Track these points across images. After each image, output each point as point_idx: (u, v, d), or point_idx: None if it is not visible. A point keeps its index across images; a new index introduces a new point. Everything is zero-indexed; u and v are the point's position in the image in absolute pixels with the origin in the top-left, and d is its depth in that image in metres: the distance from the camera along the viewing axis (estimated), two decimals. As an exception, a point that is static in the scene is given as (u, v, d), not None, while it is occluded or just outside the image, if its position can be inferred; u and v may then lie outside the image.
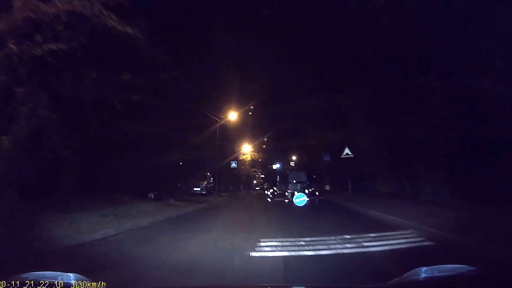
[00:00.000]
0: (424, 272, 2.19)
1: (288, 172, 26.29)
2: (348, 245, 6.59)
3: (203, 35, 21.19)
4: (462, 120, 12.95)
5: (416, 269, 2.24)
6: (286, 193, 20.92)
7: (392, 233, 7.96)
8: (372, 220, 11.01)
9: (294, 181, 25.21)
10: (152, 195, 17.48)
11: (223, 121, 27.42)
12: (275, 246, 6.72)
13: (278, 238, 7.47)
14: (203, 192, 25.08)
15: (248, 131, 41.89)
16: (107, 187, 14.94)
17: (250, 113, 27.68)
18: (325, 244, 6.64)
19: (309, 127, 34.05)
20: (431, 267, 2.21)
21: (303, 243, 6.90)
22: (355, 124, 25.67)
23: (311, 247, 6.43)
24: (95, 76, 10.54)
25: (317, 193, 18.93)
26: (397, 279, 2.30)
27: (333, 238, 7.27)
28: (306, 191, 17.63)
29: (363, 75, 21.25)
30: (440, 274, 2.17)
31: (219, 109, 27.50)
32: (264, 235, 7.79)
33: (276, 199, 22.31)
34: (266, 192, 23.60)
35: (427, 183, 17.86)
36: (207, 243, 7.26)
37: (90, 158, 13.88)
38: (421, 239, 7.19)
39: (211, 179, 28.12)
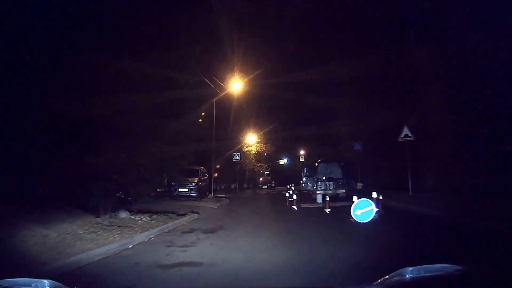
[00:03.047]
0: (409, 272, 2.05)
1: (316, 165, 18.58)
2: None
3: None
4: None
5: (401, 269, 2.09)
6: (326, 197, 13.09)
7: None
8: None
9: (324, 178, 17.62)
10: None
11: (223, 94, 19.62)
12: None
13: None
14: (193, 194, 17.16)
15: (253, 117, 34.23)
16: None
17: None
18: None
19: (337, 104, 26.57)
20: (417, 267, 2.06)
21: None
22: (416, 96, 17.85)
23: None
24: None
25: (380, 196, 11.15)
26: (381, 279, 2.14)
27: None
28: (374, 195, 9.89)
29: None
30: (426, 274, 2.03)
31: (218, 82, 19.76)
32: None
33: (303, 205, 14.52)
34: (286, 194, 15.79)
35: None
36: None
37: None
38: None
39: (206, 175, 20.23)
